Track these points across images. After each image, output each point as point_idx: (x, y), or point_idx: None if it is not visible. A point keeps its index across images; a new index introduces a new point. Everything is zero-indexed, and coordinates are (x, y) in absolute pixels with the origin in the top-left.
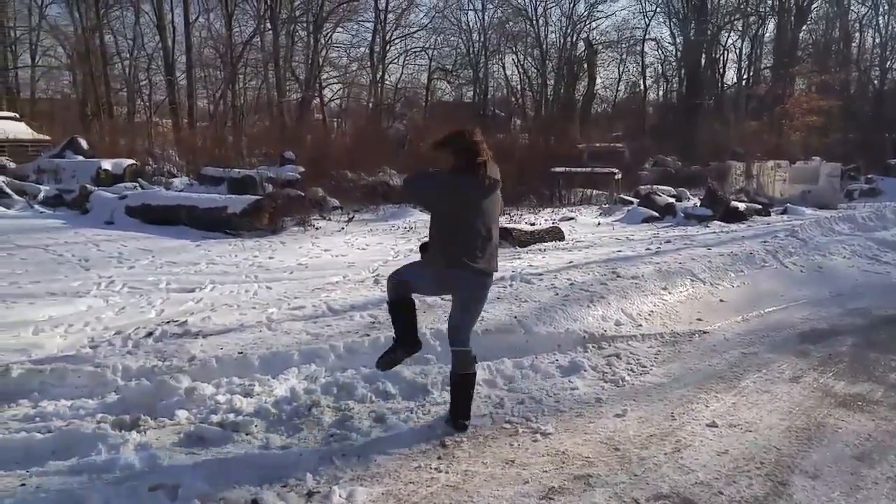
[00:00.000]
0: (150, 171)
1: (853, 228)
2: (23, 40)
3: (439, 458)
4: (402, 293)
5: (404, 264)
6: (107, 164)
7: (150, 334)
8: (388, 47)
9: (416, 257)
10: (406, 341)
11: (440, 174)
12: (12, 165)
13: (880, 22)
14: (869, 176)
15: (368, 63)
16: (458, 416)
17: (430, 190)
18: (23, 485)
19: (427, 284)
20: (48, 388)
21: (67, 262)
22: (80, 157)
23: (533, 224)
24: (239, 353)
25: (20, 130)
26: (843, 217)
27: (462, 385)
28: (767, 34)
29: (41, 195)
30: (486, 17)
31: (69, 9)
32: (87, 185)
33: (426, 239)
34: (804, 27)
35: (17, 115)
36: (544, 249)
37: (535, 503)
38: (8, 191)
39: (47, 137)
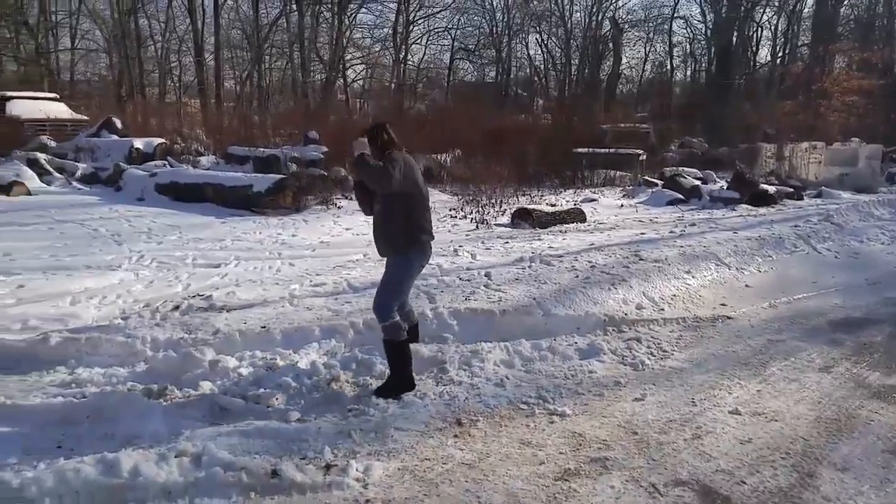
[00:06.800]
0: (179, 150)
1: (894, 213)
2: (63, 24)
3: (455, 436)
4: (402, 325)
5: (380, 291)
6: (139, 143)
7: (176, 307)
8: (411, 27)
9: None
10: (412, 383)
11: (403, 156)
12: (53, 144)
13: None
14: None
15: (391, 44)
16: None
17: (409, 170)
18: (59, 447)
19: (411, 282)
20: (83, 356)
21: (101, 236)
22: (115, 137)
23: (554, 205)
24: (262, 327)
25: (60, 111)
26: (884, 201)
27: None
28: (806, 9)
29: (78, 172)
30: None
31: None
32: (121, 164)
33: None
34: (845, 1)
35: (58, 96)
36: (565, 231)
37: (550, 484)
38: (49, 168)
39: (85, 117)
